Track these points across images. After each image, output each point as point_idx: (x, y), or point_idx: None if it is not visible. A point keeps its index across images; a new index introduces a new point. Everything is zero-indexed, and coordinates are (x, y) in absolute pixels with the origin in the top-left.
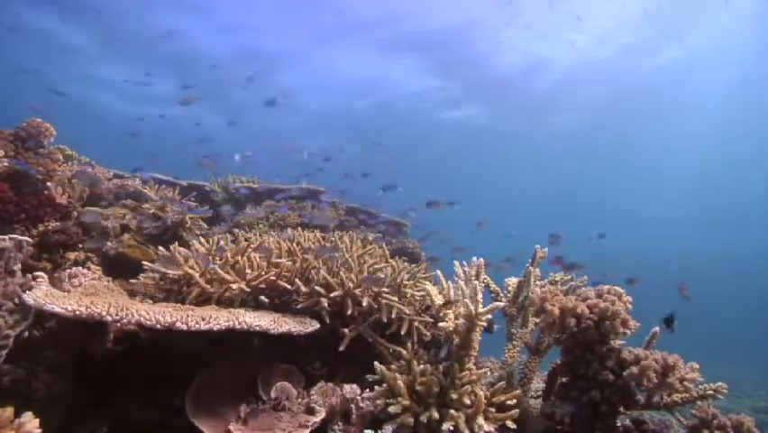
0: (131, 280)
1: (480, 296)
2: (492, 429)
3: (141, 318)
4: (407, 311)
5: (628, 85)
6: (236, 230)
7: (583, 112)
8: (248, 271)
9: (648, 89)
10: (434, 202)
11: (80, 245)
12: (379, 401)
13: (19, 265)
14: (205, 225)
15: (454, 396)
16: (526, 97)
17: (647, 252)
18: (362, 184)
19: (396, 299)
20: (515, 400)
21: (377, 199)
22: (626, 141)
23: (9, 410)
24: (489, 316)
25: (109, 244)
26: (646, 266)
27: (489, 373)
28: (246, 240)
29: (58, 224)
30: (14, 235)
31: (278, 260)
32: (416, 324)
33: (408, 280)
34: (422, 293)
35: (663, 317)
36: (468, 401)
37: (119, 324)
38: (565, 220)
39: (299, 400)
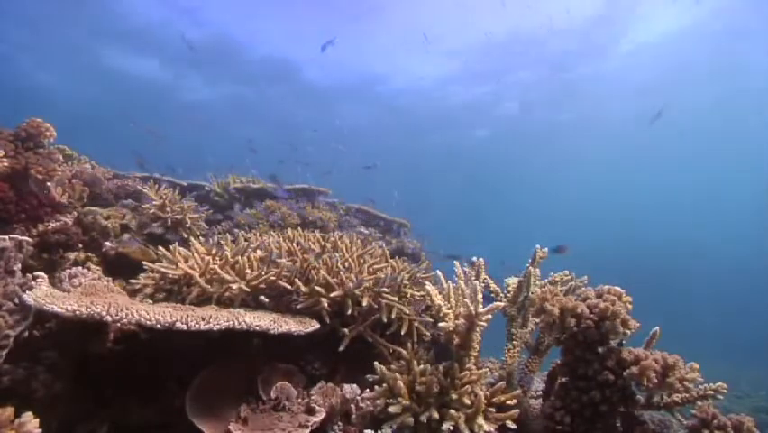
0: (131, 280)
1: (479, 296)
2: (492, 429)
3: (141, 318)
4: (407, 311)
5: None
6: (236, 230)
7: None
8: (248, 271)
9: None
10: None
11: (80, 245)
12: (379, 401)
13: (19, 265)
14: (205, 226)
15: (454, 396)
16: None
17: (647, 251)
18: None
19: (396, 299)
20: (515, 400)
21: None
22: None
23: (9, 410)
24: (489, 316)
25: (109, 244)
26: (646, 264)
27: (488, 372)
28: (246, 240)
29: (58, 224)
30: (14, 235)
31: (279, 260)
32: (415, 324)
33: (408, 280)
34: (422, 293)
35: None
36: (468, 401)
37: (119, 324)
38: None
39: (299, 400)
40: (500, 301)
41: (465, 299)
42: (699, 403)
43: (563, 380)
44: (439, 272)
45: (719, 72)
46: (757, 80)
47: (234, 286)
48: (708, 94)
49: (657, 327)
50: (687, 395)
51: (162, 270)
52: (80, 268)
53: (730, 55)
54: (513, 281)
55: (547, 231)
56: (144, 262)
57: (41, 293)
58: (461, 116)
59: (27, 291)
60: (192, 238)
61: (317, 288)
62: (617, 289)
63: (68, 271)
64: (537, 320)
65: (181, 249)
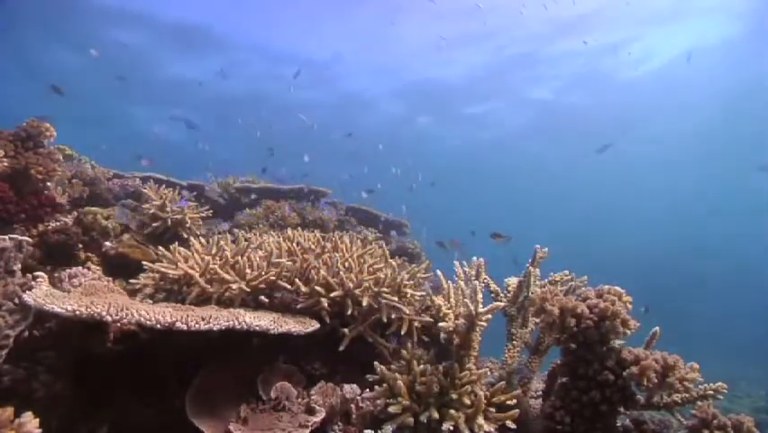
0: (131, 280)
1: (479, 296)
2: (492, 429)
3: (141, 318)
4: (407, 311)
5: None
6: (236, 230)
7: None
8: (248, 271)
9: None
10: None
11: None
12: (379, 401)
13: (19, 265)
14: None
15: (454, 396)
16: None
17: (646, 250)
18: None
19: (396, 298)
20: (515, 400)
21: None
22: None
23: (9, 410)
24: (489, 316)
25: (109, 244)
26: (644, 264)
27: (488, 372)
28: (246, 240)
29: (58, 224)
30: (14, 235)
31: (278, 260)
32: (415, 324)
33: (408, 280)
34: (422, 293)
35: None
36: (468, 401)
37: (119, 324)
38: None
39: (299, 400)
40: (500, 301)
41: (465, 299)
42: (699, 403)
43: (563, 380)
44: (439, 272)
45: None
46: None
47: (234, 286)
48: None
49: (657, 327)
50: (687, 395)
51: (162, 270)
52: (80, 268)
53: None
54: (513, 281)
55: (548, 231)
56: (144, 262)
57: (41, 293)
58: None
59: (27, 291)
60: (192, 238)
61: (317, 288)
62: (617, 289)
63: (68, 271)
64: (537, 320)
65: (181, 249)
